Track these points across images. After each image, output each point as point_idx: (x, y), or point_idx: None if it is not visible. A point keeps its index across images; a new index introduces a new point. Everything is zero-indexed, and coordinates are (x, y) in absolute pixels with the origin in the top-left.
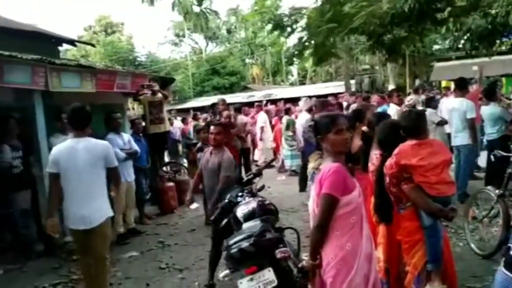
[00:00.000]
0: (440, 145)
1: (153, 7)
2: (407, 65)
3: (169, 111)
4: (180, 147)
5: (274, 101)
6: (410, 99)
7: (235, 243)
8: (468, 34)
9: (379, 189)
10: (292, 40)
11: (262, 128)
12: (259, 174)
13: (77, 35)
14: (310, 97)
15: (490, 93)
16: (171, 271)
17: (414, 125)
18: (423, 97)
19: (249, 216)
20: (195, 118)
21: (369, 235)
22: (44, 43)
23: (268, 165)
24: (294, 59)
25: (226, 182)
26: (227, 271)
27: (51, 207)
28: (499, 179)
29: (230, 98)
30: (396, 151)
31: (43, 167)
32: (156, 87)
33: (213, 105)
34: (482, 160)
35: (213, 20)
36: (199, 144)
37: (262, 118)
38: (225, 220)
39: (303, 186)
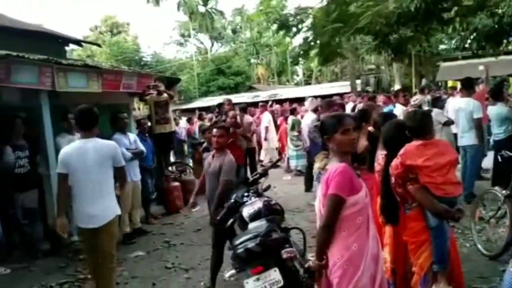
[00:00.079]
0: (446, 145)
1: (159, 7)
2: (413, 65)
3: (173, 111)
4: (185, 147)
5: (279, 101)
6: (416, 99)
7: (241, 243)
8: (474, 34)
9: (385, 189)
10: (298, 40)
11: (266, 128)
12: (265, 174)
13: (83, 35)
14: (315, 97)
15: (497, 93)
16: (177, 271)
17: (419, 126)
18: (428, 97)
19: (255, 216)
20: (200, 118)
21: (376, 235)
22: (50, 43)
23: (274, 165)
24: (300, 59)
25: (226, 185)
26: (233, 271)
27: (60, 207)
28: (506, 179)
29: (235, 98)
30: (401, 151)
31: (50, 166)
32: (162, 87)
33: (220, 105)
34: (488, 160)
35: (218, 20)
36: (205, 144)
37: (266, 118)
38: (231, 220)
39: (308, 186)
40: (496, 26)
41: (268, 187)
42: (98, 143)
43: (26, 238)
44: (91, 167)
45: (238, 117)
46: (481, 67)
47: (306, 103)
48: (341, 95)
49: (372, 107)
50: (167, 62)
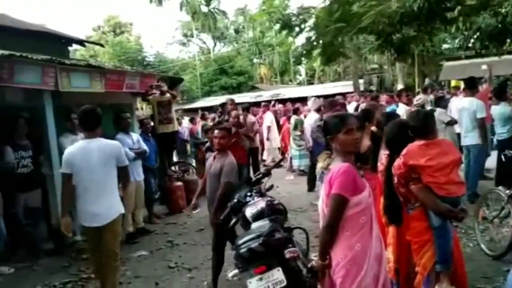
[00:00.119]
0: (449, 145)
1: (161, 7)
2: (416, 65)
3: (175, 111)
4: (188, 147)
5: (282, 101)
6: (418, 98)
7: (244, 242)
8: (478, 33)
9: (388, 189)
10: (300, 40)
11: (268, 128)
12: (267, 174)
13: (85, 35)
14: (318, 97)
15: (500, 92)
16: (180, 270)
17: (422, 125)
18: (431, 96)
19: (258, 216)
20: (203, 118)
21: (379, 235)
22: (53, 44)
23: (277, 164)
24: (302, 58)
25: (226, 187)
26: (236, 271)
27: (64, 207)
28: (510, 179)
29: (238, 98)
30: (404, 151)
31: (53, 166)
32: (165, 87)
33: (223, 105)
34: (492, 160)
35: (221, 20)
36: (207, 144)
37: (268, 118)
38: (234, 220)
39: (311, 186)
40: (500, 25)
41: (271, 187)
42: (102, 143)
43: (28, 237)
44: (96, 167)
45: (241, 117)
46: (484, 67)
47: (309, 102)
48: (343, 94)
49: (375, 107)
50: (170, 62)
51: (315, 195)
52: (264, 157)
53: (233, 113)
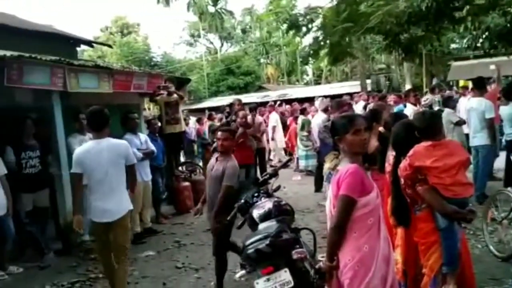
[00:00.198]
0: (456, 146)
1: (169, 7)
2: (424, 65)
3: (182, 111)
4: (195, 147)
5: (289, 101)
6: (426, 98)
7: (251, 243)
8: (486, 33)
9: (395, 191)
10: (307, 40)
11: (273, 128)
12: (275, 174)
13: (93, 36)
14: (325, 97)
15: (509, 92)
16: (187, 271)
17: (428, 126)
18: (439, 96)
19: (265, 217)
20: (210, 118)
21: (387, 237)
22: (62, 44)
23: (284, 165)
24: (309, 58)
25: (227, 191)
26: (243, 271)
27: (76, 205)
28: None
29: (245, 98)
30: (410, 152)
31: (61, 166)
32: (172, 88)
33: (231, 105)
34: (500, 161)
35: (228, 20)
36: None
37: (273, 118)
38: (240, 223)
39: (318, 187)
40: (509, 25)
41: (278, 188)
42: (111, 142)
43: (32, 237)
44: (106, 165)
45: (249, 117)
46: (492, 67)
47: (316, 102)
48: (351, 94)
49: (382, 107)
50: (177, 62)
51: (322, 195)
52: (271, 157)
53: (241, 113)
